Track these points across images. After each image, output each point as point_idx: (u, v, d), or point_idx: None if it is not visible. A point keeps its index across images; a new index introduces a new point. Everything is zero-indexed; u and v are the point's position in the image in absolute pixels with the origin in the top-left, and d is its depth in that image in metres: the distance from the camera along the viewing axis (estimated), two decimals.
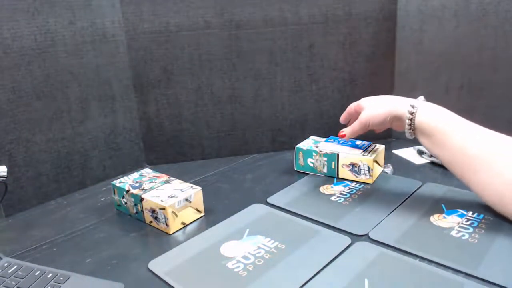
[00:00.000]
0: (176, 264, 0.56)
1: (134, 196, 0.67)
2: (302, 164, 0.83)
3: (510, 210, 0.58)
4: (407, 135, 0.65)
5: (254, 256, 0.57)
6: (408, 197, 0.70)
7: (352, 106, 0.75)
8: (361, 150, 0.78)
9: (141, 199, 0.66)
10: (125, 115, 0.89)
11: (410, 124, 0.64)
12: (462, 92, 0.91)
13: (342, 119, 0.78)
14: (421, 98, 0.66)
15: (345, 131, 0.73)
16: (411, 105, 0.64)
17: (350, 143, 0.81)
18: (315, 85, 0.93)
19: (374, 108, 0.69)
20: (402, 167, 0.83)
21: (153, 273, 0.55)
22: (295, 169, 0.84)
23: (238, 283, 0.51)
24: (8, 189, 0.69)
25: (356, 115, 0.76)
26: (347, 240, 0.59)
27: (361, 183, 0.77)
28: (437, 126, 0.62)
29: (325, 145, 0.81)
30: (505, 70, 0.86)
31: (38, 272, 0.53)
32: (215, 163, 0.91)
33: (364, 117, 0.69)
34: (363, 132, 0.71)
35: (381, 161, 0.80)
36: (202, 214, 0.69)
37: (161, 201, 0.64)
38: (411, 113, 0.63)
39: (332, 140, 0.84)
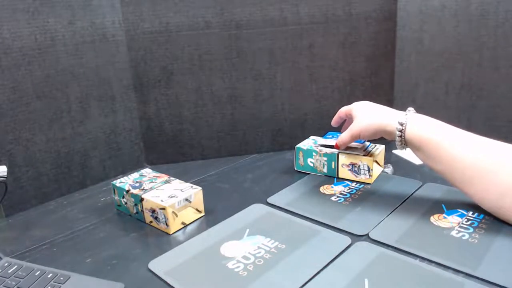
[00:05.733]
0: (176, 264, 0.56)
1: (134, 196, 0.67)
2: (302, 164, 0.83)
3: (507, 217, 0.59)
4: (399, 148, 0.66)
5: (254, 256, 0.57)
6: (408, 197, 0.70)
7: (343, 111, 0.76)
8: (361, 145, 0.78)
9: (141, 199, 0.66)
10: (125, 115, 0.89)
11: (401, 140, 0.64)
12: (462, 92, 0.91)
13: (333, 122, 0.79)
14: (411, 110, 0.66)
15: (337, 141, 0.75)
16: (399, 122, 0.64)
17: None
18: (315, 85, 0.93)
19: (364, 120, 0.69)
20: (402, 167, 0.83)
21: (153, 273, 0.55)
22: (295, 169, 0.84)
23: (238, 283, 0.51)
24: (8, 189, 0.69)
25: (347, 119, 0.77)
26: (347, 240, 0.59)
27: (361, 183, 0.77)
28: (427, 140, 0.62)
29: (324, 141, 0.81)
30: (505, 70, 0.86)
31: (38, 272, 0.53)
32: (215, 163, 0.91)
33: (354, 129, 0.70)
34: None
35: (381, 161, 0.80)
36: (202, 214, 0.69)
37: (161, 201, 0.64)
38: (400, 130, 0.64)
39: (330, 136, 0.84)
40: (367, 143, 0.80)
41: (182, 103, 0.91)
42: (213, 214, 0.69)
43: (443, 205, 0.67)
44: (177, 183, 0.70)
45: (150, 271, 0.55)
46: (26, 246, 0.63)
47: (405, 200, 0.69)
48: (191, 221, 0.67)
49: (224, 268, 0.55)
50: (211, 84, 0.90)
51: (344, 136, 0.73)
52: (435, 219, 0.63)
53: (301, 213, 0.67)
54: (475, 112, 0.90)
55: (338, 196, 0.72)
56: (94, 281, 0.52)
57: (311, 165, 0.82)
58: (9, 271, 0.53)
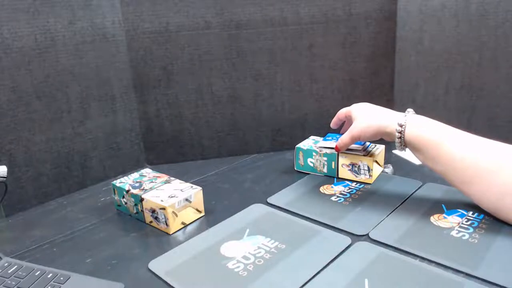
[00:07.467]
0: (176, 264, 0.56)
1: (134, 196, 0.67)
2: (302, 164, 0.83)
3: (506, 217, 0.59)
4: (398, 150, 0.66)
5: (254, 256, 0.57)
6: (408, 197, 0.70)
7: (343, 112, 0.77)
8: (361, 147, 0.78)
9: (141, 199, 0.66)
10: (125, 115, 0.89)
11: (400, 142, 0.64)
12: (462, 92, 0.91)
13: (332, 124, 0.79)
14: (411, 111, 0.66)
15: (337, 143, 0.75)
16: (398, 124, 0.64)
17: None
18: (315, 85, 0.93)
19: (364, 121, 0.70)
20: (402, 167, 0.83)
21: (153, 273, 0.55)
22: (295, 169, 0.84)
23: (238, 283, 0.51)
24: (8, 189, 0.69)
25: (347, 120, 0.77)
26: (347, 240, 0.59)
27: (361, 183, 0.77)
28: (426, 141, 0.62)
29: (324, 144, 0.81)
30: (505, 70, 0.86)
31: (38, 272, 0.53)
32: (215, 163, 0.91)
33: (354, 131, 0.70)
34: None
35: (381, 161, 0.80)
36: (202, 214, 0.69)
37: (161, 201, 0.64)
38: (400, 132, 0.64)
39: (330, 138, 0.84)
40: (367, 143, 0.80)
41: (182, 103, 0.91)
42: (213, 214, 0.69)
43: (443, 205, 0.67)
44: (177, 183, 0.70)
45: (150, 271, 0.55)
46: (26, 246, 0.63)
47: (405, 200, 0.69)
48: (191, 221, 0.67)
49: (224, 268, 0.55)
50: (211, 84, 0.90)
51: (344, 138, 0.73)
52: (435, 219, 0.63)
53: (301, 213, 0.67)
54: (475, 112, 0.90)
55: (338, 196, 0.72)
56: (94, 281, 0.52)
57: (311, 165, 0.82)
58: (9, 271, 0.53)
